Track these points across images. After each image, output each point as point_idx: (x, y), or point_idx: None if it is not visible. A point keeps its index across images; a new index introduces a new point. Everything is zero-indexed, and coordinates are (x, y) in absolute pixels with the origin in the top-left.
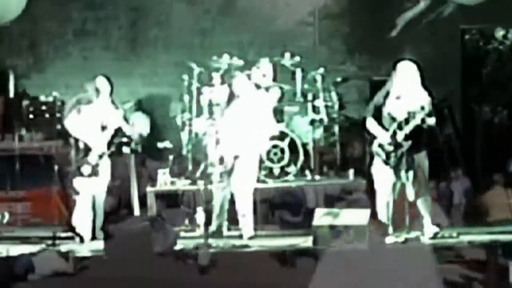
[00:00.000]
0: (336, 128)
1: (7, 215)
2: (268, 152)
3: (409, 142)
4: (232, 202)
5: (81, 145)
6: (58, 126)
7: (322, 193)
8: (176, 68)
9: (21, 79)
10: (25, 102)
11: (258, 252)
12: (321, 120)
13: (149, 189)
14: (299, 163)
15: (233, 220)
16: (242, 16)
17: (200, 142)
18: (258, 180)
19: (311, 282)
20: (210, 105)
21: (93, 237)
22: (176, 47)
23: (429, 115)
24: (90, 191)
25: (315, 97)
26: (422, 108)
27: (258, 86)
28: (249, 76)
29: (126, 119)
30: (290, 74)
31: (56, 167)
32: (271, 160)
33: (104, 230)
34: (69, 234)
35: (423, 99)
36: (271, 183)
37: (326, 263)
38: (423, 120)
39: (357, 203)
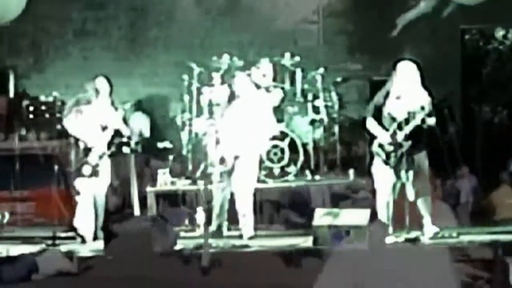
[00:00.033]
0: (336, 128)
1: (7, 215)
2: (268, 152)
3: (409, 142)
4: (232, 202)
5: (81, 145)
6: (59, 126)
7: (328, 192)
8: (176, 68)
9: (21, 79)
10: (25, 102)
11: (258, 252)
12: (321, 120)
13: (149, 189)
14: (299, 163)
15: (233, 220)
16: (242, 16)
17: (200, 142)
18: (258, 180)
19: (312, 282)
20: (210, 105)
21: (95, 237)
22: (176, 47)
23: (429, 115)
24: (91, 191)
25: (315, 97)
26: (422, 108)
27: (258, 86)
28: (249, 76)
29: (125, 121)
30: (291, 74)
31: (59, 167)
32: (271, 160)
33: (105, 230)
34: (70, 234)
35: (423, 99)
36: (271, 183)
37: (326, 263)
38: (423, 120)
39: (364, 201)
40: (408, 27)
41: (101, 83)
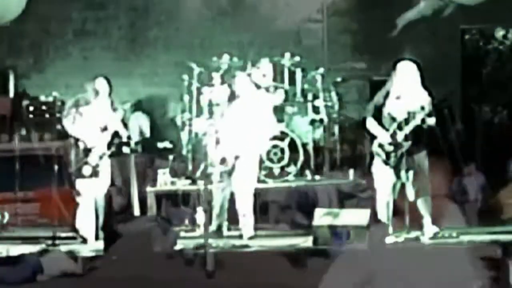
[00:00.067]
0: (336, 128)
1: (7, 215)
2: (268, 152)
3: (409, 142)
4: (232, 201)
5: (81, 146)
6: (59, 126)
7: (335, 191)
8: (176, 68)
9: (21, 79)
10: (25, 102)
11: (258, 252)
12: (321, 120)
13: (149, 189)
14: (299, 163)
15: (233, 220)
16: (242, 16)
17: (200, 142)
18: (258, 180)
19: (311, 282)
20: (210, 105)
21: (97, 237)
22: (176, 47)
23: (429, 115)
24: (92, 191)
25: (315, 97)
26: (422, 108)
27: (258, 86)
28: (249, 76)
29: (124, 122)
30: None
31: (64, 168)
32: (271, 160)
33: (105, 230)
34: (70, 234)
35: (423, 99)
36: (271, 183)
37: (326, 263)
38: (423, 120)
39: (370, 200)
40: (408, 27)
41: (101, 84)
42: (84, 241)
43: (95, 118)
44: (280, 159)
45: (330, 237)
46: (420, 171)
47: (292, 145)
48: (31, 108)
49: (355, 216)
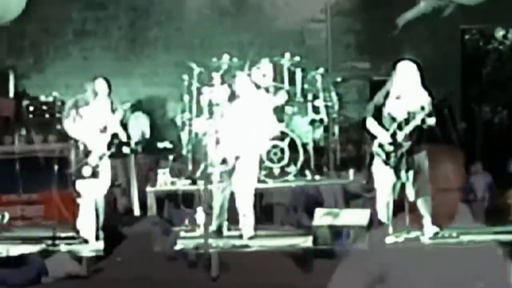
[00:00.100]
0: (336, 128)
1: (7, 215)
2: (268, 152)
3: (409, 142)
4: (232, 201)
5: (81, 147)
6: (59, 127)
7: (340, 191)
8: (176, 68)
9: (21, 79)
10: (25, 102)
11: (258, 252)
12: (321, 120)
13: (149, 189)
14: (299, 163)
15: (233, 220)
16: (243, 16)
17: (200, 142)
18: (259, 180)
19: (311, 282)
20: (210, 105)
21: (97, 238)
22: (176, 47)
23: (429, 115)
24: (92, 192)
25: (315, 97)
26: (422, 108)
27: (258, 86)
28: (249, 76)
29: (123, 123)
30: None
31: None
32: (271, 160)
33: (105, 230)
34: (69, 234)
35: (423, 99)
36: (271, 183)
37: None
38: (423, 120)
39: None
40: (408, 27)
41: (100, 84)
42: (85, 241)
43: (94, 119)
44: (280, 159)
45: (330, 237)
46: (420, 171)
47: (292, 145)
48: (31, 108)
49: (355, 216)
